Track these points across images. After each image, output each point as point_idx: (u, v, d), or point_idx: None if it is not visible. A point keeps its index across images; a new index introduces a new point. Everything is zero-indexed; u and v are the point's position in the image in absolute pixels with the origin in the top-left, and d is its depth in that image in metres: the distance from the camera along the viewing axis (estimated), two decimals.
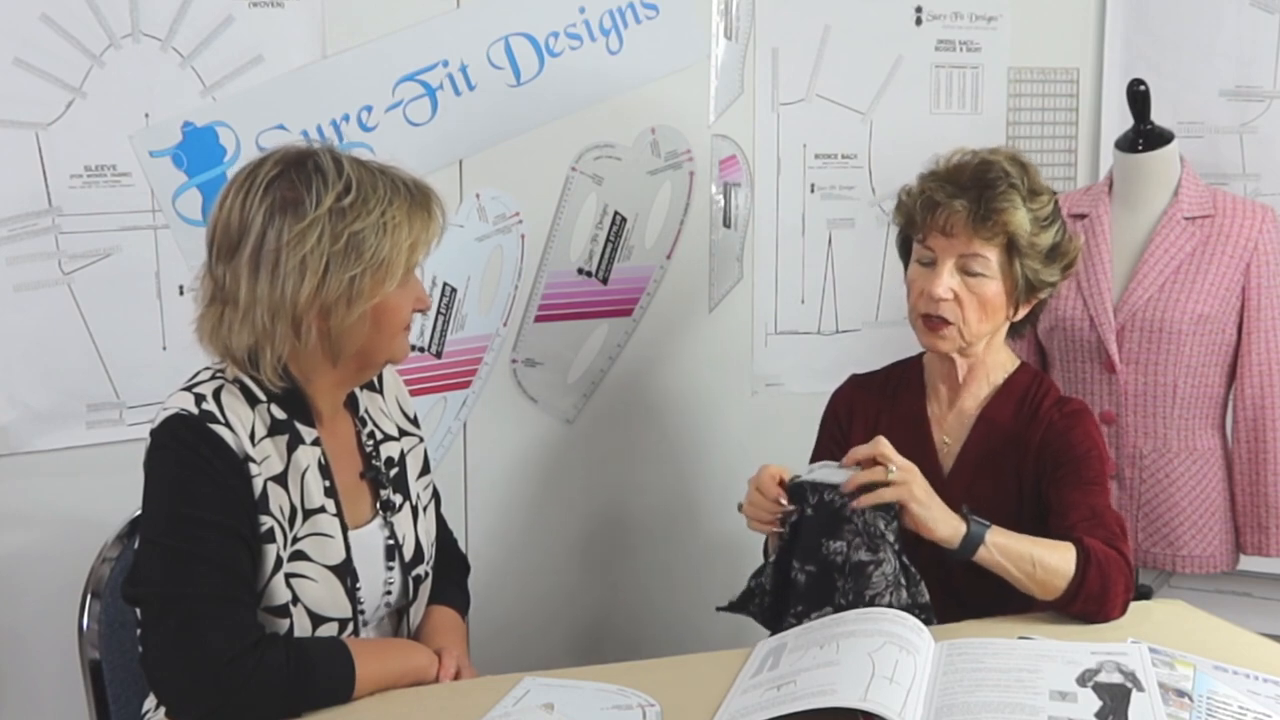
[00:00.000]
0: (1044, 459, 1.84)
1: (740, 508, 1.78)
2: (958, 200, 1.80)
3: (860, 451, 1.71)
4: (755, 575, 1.82)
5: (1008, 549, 1.69)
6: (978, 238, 1.80)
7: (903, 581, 1.70)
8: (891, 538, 1.68)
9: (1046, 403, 1.88)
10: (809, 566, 1.73)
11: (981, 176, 1.81)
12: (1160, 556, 2.41)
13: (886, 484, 1.67)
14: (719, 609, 1.84)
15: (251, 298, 1.53)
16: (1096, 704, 1.39)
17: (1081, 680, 1.44)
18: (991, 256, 1.81)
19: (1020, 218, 1.79)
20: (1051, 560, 1.69)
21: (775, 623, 1.80)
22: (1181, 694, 1.43)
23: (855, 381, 2.05)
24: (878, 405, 1.98)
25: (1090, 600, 1.70)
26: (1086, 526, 1.74)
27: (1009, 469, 1.86)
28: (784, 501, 1.72)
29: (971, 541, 1.68)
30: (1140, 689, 1.41)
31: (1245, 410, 2.40)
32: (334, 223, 1.52)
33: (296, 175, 1.54)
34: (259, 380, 1.57)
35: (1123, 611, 1.73)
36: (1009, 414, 1.89)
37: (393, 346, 1.63)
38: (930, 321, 1.84)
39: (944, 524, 1.68)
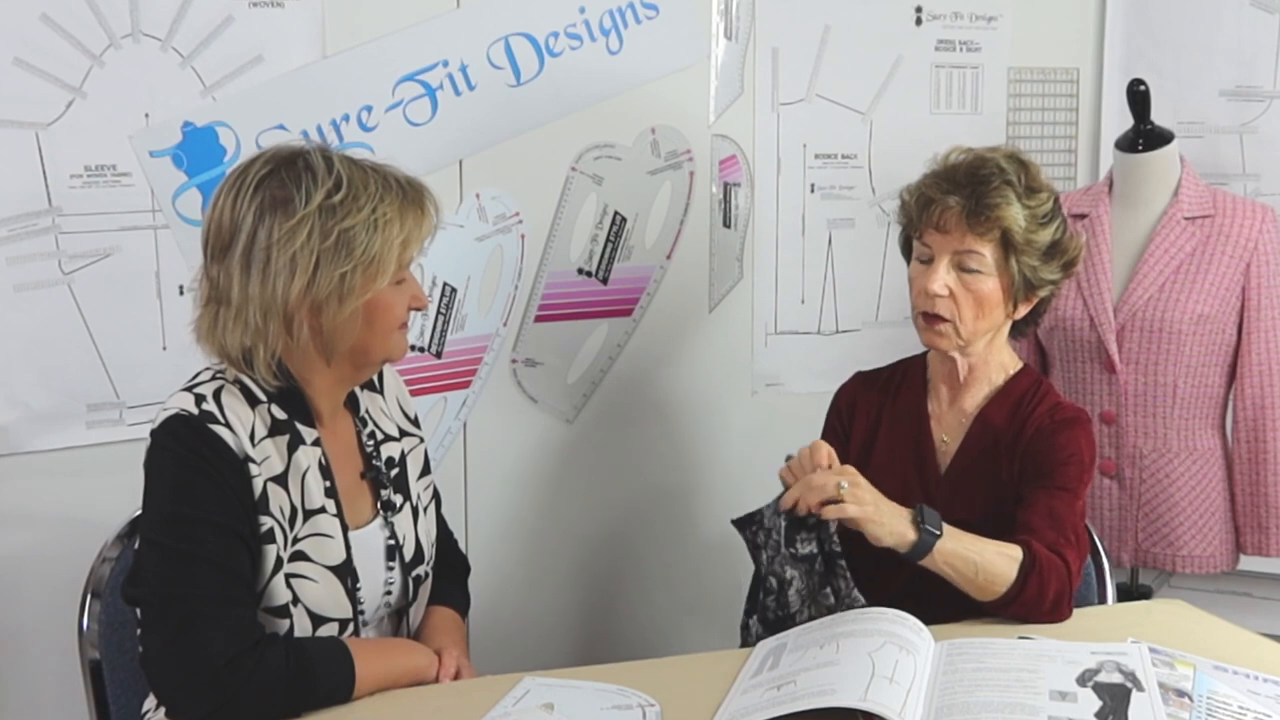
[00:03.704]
0: (1026, 460, 1.84)
1: (787, 459, 1.78)
2: (952, 197, 1.80)
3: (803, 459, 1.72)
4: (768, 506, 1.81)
5: (954, 557, 1.68)
6: (971, 234, 1.80)
7: (818, 595, 1.71)
8: (805, 550, 1.70)
9: (1041, 408, 1.87)
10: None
11: (975, 173, 1.82)
12: (1160, 556, 2.41)
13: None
14: (732, 521, 1.83)
15: (244, 297, 1.53)
16: (1096, 704, 1.39)
17: (1081, 680, 1.44)
18: (986, 253, 1.81)
19: (1014, 213, 1.79)
20: (996, 567, 1.68)
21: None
22: (1181, 694, 1.43)
23: (860, 377, 2.05)
24: (879, 400, 1.99)
25: (1024, 605, 1.69)
26: (1042, 528, 1.74)
27: (1000, 470, 1.86)
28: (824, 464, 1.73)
29: (918, 551, 1.68)
30: (1140, 689, 1.42)
31: (1245, 410, 2.40)
32: (324, 220, 1.52)
33: (286, 174, 1.54)
34: (258, 380, 1.57)
35: (1055, 614, 1.70)
36: (1004, 416, 1.89)
37: (388, 344, 1.63)
38: (929, 319, 1.85)
39: (891, 534, 1.67)
